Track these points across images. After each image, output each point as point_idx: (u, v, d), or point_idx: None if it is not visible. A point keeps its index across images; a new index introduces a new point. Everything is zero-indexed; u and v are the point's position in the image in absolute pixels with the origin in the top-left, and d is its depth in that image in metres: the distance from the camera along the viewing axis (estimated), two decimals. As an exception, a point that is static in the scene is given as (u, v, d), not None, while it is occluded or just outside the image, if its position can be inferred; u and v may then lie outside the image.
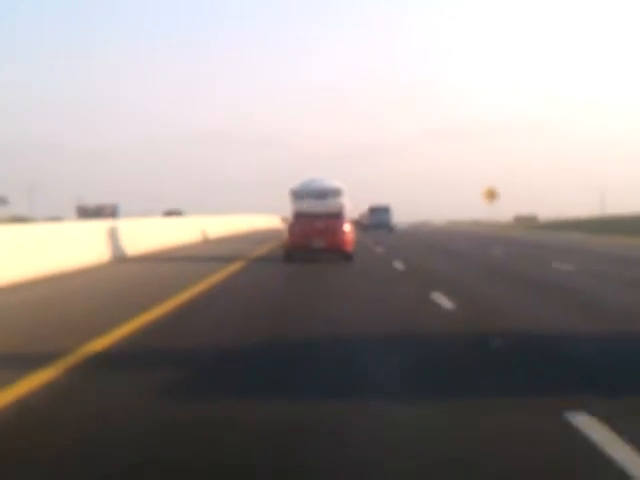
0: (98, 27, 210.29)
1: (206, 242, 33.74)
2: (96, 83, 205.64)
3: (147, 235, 25.46)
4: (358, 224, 64.09)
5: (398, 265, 18.52)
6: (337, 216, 20.38)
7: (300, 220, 20.15)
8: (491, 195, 72.73)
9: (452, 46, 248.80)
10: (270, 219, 62.65)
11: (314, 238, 19.65)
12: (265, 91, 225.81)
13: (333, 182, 21.75)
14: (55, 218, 44.79)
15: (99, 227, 20.70)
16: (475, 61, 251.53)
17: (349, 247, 20.00)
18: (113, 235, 20.99)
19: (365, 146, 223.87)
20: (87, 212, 31.69)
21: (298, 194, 21.11)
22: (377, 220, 58.80)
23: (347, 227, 20.06)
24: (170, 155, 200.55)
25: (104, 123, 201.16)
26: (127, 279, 15.63)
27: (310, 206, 20.75)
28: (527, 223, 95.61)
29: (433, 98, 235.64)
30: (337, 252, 20.01)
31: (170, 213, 60.12)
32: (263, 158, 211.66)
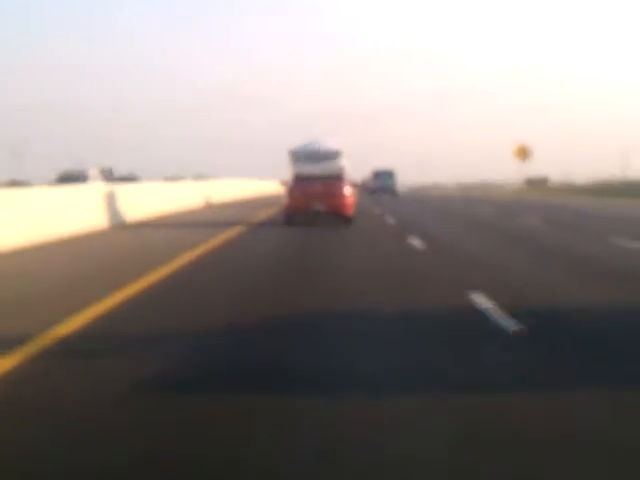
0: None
1: (209, 207, 33.44)
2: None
3: (148, 200, 25.18)
4: (363, 187, 63.75)
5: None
6: (337, 178, 20.03)
7: (300, 183, 19.82)
8: (523, 153, 66.09)
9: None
10: (273, 184, 62.18)
11: (314, 201, 19.35)
12: (266, 50, 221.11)
13: (332, 144, 21.31)
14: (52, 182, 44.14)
15: (98, 192, 20.41)
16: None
17: (349, 211, 19.70)
18: (112, 200, 20.71)
19: (369, 107, 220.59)
20: (71, 177, 30.47)
21: (297, 156, 20.72)
22: (381, 184, 58.38)
23: (347, 190, 19.73)
24: (171, 116, 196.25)
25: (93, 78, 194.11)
26: (121, 247, 15.37)
27: (309, 168, 20.38)
28: (539, 186, 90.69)
29: (438, 56, 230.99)
30: (337, 215, 19.72)
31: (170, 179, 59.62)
32: (263, 119, 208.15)
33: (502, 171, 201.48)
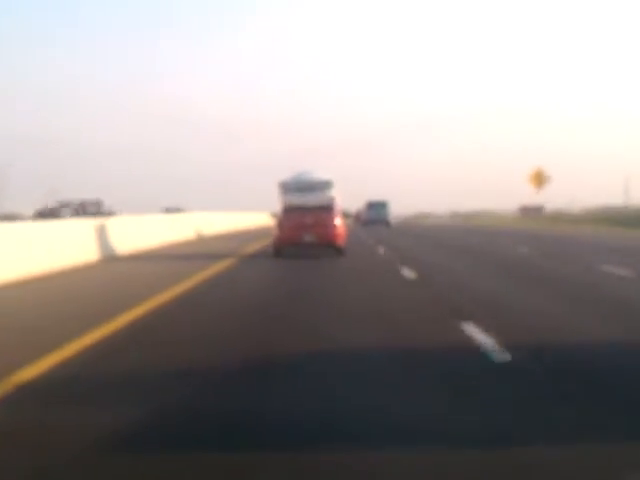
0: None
1: (200, 240, 33.38)
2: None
3: (139, 233, 25.12)
4: (357, 219, 63.87)
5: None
6: (327, 209, 20.02)
7: (290, 214, 19.79)
8: (539, 179, 57.22)
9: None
10: (264, 216, 62.11)
11: (304, 232, 19.31)
12: (255, 79, 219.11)
13: (323, 174, 21.30)
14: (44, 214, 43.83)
15: (88, 225, 20.34)
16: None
17: (340, 241, 19.66)
18: (103, 233, 20.64)
19: (360, 134, 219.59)
20: (49, 212, 30.08)
21: (287, 187, 20.68)
22: (375, 215, 58.65)
23: (338, 221, 19.71)
24: (157, 148, 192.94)
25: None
26: (105, 281, 15.17)
27: (300, 199, 20.34)
28: (535, 215, 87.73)
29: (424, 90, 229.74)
30: (328, 246, 19.69)
31: (169, 210, 59.88)
32: (254, 149, 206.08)
33: (496, 199, 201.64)
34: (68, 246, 18.02)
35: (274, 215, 21.18)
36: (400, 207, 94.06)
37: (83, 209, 34.36)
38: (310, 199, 20.35)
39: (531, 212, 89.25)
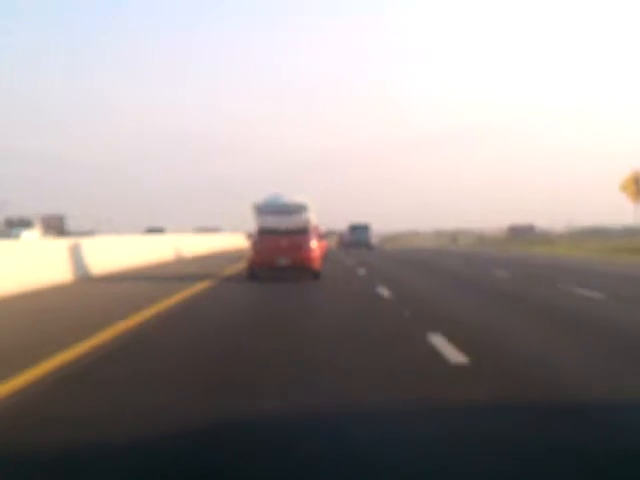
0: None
1: (179, 261, 33.20)
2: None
3: (117, 253, 24.93)
4: (340, 242, 63.86)
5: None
6: (303, 232, 19.93)
7: (264, 237, 19.68)
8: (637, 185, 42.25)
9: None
10: (239, 238, 61.90)
11: (279, 255, 19.21)
12: (229, 96, 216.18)
13: (298, 197, 21.20)
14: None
15: (62, 245, 20.16)
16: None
17: (316, 264, 19.57)
18: (77, 253, 20.45)
19: (336, 152, 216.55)
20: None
21: (261, 210, 20.52)
22: (357, 238, 58.79)
23: (314, 243, 19.62)
24: (128, 164, 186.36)
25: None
26: (76, 302, 14.95)
27: (274, 222, 20.21)
28: (524, 236, 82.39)
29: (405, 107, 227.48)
30: (304, 269, 19.58)
31: (152, 230, 59.67)
32: (228, 166, 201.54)
33: (480, 217, 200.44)
34: (39, 267, 17.83)
35: (249, 236, 21.00)
36: (382, 225, 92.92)
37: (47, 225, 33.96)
38: (285, 222, 20.21)
39: (520, 232, 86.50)
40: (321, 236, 21.25)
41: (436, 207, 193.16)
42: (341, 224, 69.60)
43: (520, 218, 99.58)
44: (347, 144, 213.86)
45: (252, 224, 20.66)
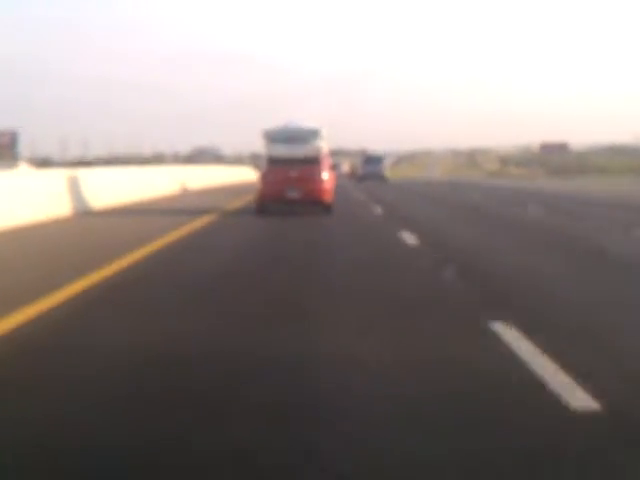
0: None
1: (185, 194, 32.21)
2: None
3: (119, 186, 23.84)
4: (352, 174, 62.38)
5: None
6: (314, 162, 18.75)
7: (274, 167, 18.53)
8: None
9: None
10: (248, 170, 60.25)
11: (289, 187, 18.12)
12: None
13: (311, 123, 19.85)
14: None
15: (60, 177, 19.10)
16: None
17: (328, 197, 18.50)
18: (76, 186, 19.41)
19: (345, 72, 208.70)
20: None
21: (272, 137, 19.16)
22: (371, 170, 57.06)
23: (325, 175, 18.50)
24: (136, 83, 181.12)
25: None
26: (72, 237, 14.15)
27: (284, 150, 18.98)
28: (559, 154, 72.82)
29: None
30: (314, 203, 18.52)
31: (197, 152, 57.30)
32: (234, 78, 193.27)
33: (495, 136, 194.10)
34: (35, 201, 16.81)
35: (257, 166, 19.88)
36: (395, 144, 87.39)
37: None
38: (296, 150, 18.92)
39: (553, 150, 77.04)
40: (331, 167, 20.00)
41: (451, 125, 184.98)
42: (349, 145, 67.17)
43: (548, 136, 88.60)
44: (349, 62, 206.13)
45: (262, 154, 19.44)
